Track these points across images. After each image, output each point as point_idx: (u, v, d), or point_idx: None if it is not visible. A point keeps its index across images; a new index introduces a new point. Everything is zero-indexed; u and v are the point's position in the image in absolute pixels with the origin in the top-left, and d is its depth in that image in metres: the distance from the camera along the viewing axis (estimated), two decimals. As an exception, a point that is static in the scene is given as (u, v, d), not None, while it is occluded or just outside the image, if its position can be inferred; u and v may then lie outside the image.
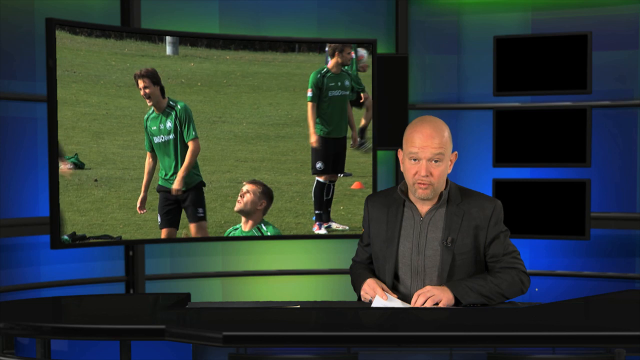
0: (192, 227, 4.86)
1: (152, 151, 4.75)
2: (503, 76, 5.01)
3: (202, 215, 4.85)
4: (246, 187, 4.93)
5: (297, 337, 2.51)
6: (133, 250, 5.08)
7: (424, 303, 2.89)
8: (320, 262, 5.44)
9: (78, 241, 4.61)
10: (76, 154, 4.62)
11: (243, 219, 4.94)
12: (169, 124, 4.69)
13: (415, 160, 2.95)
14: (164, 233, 4.83)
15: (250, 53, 5.04)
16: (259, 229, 4.94)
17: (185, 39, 4.91)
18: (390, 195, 3.13)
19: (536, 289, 5.25)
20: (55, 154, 4.45)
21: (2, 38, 4.69)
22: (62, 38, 4.52)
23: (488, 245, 3.04)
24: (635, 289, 4.66)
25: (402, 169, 3.03)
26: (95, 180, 4.69)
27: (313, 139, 5.09)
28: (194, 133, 4.76)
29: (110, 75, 4.72)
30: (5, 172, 4.72)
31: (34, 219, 4.76)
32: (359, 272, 3.18)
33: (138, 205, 4.76)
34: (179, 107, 4.72)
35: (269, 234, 4.95)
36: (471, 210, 3.02)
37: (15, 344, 2.84)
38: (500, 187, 5.05)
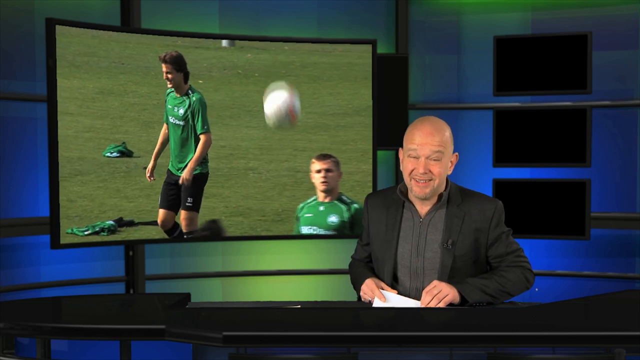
0: (181, 214, 4.85)
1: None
2: (503, 76, 5.01)
3: (190, 205, 4.83)
4: (319, 165, 4.96)
5: (297, 337, 2.51)
6: (133, 250, 5.08)
7: (432, 301, 2.89)
8: (320, 262, 5.44)
9: (125, 226, 4.69)
10: (124, 143, 4.71)
11: (321, 195, 4.97)
12: (181, 111, 4.72)
13: (414, 157, 2.94)
14: (161, 214, 4.81)
15: (310, 44, 5.07)
16: (342, 201, 4.98)
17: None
18: (389, 196, 3.12)
19: (536, 289, 5.23)
20: (55, 154, 4.45)
21: (2, 38, 4.69)
22: (109, 31, 4.62)
23: (490, 246, 3.03)
24: (635, 289, 4.66)
25: (401, 167, 3.02)
26: (144, 168, 4.75)
27: None
28: (205, 127, 4.77)
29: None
30: (5, 172, 4.72)
31: (34, 219, 4.76)
32: (358, 270, 3.18)
33: (148, 173, 4.76)
34: (193, 98, 4.73)
35: (355, 206, 4.98)
36: (472, 211, 3.00)
37: (15, 344, 2.84)
38: (500, 187, 5.05)
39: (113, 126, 4.68)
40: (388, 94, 5.16)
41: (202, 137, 4.78)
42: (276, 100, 4.82)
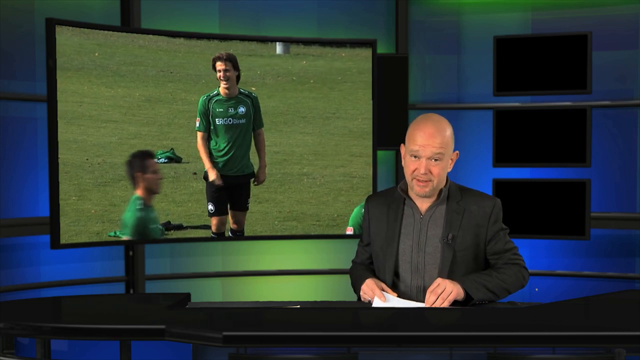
0: (237, 215, 4.90)
1: (207, 132, 4.77)
2: (503, 76, 5.01)
3: (248, 205, 4.91)
4: None
5: (297, 337, 2.51)
6: (133, 250, 5.07)
7: (436, 301, 2.89)
8: (320, 262, 5.44)
9: (173, 230, 4.78)
10: (172, 149, 4.78)
11: None
12: (241, 109, 4.75)
13: (415, 157, 2.97)
14: (215, 221, 4.86)
15: (367, 50, 5.08)
16: None
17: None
18: (390, 195, 3.15)
19: (536, 289, 5.25)
20: (55, 154, 4.45)
21: (2, 38, 4.69)
22: (158, 41, 4.73)
23: (488, 242, 3.07)
24: (635, 289, 4.65)
25: (402, 163, 3.07)
26: (194, 174, 4.83)
27: None
28: (262, 123, 4.86)
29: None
30: (5, 172, 4.72)
31: (34, 219, 4.76)
32: (358, 272, 3.18)
33: (217, 179, 4.78)
34: (253, 95, 4.79)
35: None
36: (471, 208, 3.05)
37: (15, 344, 2.84)
38: (500, 187, 5.05)
39: (160, 133, 4.76)
40: (388, 94, 5.16)
41: (260, 132, 4.84)
42: None
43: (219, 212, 4.86)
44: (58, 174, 4.47)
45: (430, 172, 2.96)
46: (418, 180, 2.98)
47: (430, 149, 2.95)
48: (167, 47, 4.77)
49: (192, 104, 4.80)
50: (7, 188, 4.72)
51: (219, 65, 4.74)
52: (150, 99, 4.74)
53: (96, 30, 4.61)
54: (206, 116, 4.75)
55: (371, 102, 5.09)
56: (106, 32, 4.66)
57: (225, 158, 4.81)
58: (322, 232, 5.04)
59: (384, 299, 2.96)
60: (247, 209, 4.92)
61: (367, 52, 5.08)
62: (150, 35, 4.75)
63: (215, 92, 4.77)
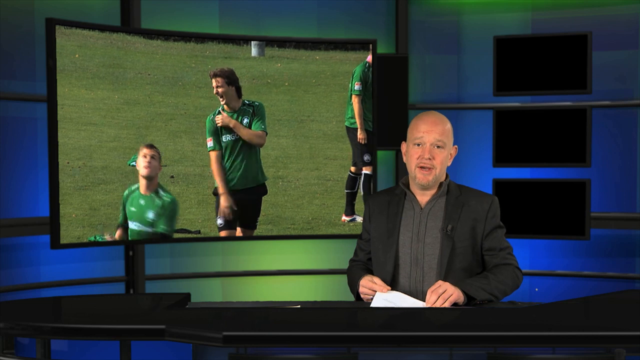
0: (245, 232, 4.90)
1: (221, 149, 4.76)
2: (503, 76, 5.01)
3: (256, 224, 4.92)
4: (146, 151, 4.73)
5: (297, 337, 2.52)
6: (133, 250, 5.07)
7: (437, 301, 2.91)
8: (320, 262, 5.44)
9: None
10: None
11: (144, 182, 4.69)
12: (245, 120, 4.74)
13: (419, 145, 3.07)
14: (224, 235, 4.87)
15: (342, 53, 5.08)
16: (158, 194, 4.75)
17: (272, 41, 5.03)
18: (391, 192, 3.22)
19: (536, 289, 5.25)
20: (55, 154, 4.45)
21: (2, 38, 4.69)
22: (135, 43, 4.69)
23: (485, 237, 3.11)
24: (635, 289, 4.65)
25: (404, 159, 3.14)
26: (172, 177, 4.79)
27: (363, 135, 5.07)
28: (263, 126, 4.81)
29: (190, 76, 4.81)
30: (5, 172, 4.72)
31: (34, 219, 4.76)
32: (354, 271, 3.22)
33: (232, 204, 4.78)
34: (256, 103, 4.79)
35: (167, 199, 4.76)
36: (470, 202, 3.12)
37: (15, 344, 2.84)
38: (500, 187, 5.05)
39: (139, 136, 4.73)
40: (388, 94, 5.16)
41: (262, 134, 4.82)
42: None
43: (228, 226, 4.85)
44: (58, 174, 4.46)
45: (434, 158, 3.05)
46: (422, 167, 3.06)
47: (433, 134, 3.05)
48: (144, 49, 4.74)
49: (169, 107, 4.79)
50: (7, 188, 4.72)
51: (213, 82, 4.74)
52: (129, 101, 4.71)
53: (77, 31, 4.55)
54: (216, 134, 4.74)
55: (345, 104, 5.07)
56: (85, 32, 4.60)
57: (238, 173, 4.80)
58: (298, 235, 5.04)
59: (385, 289, 2.98)
60: (255, 227, 4.91)
61: (341, 55, 5.07)
62: (128, 37, 4.71)
63: (221, 108, 4.77)
